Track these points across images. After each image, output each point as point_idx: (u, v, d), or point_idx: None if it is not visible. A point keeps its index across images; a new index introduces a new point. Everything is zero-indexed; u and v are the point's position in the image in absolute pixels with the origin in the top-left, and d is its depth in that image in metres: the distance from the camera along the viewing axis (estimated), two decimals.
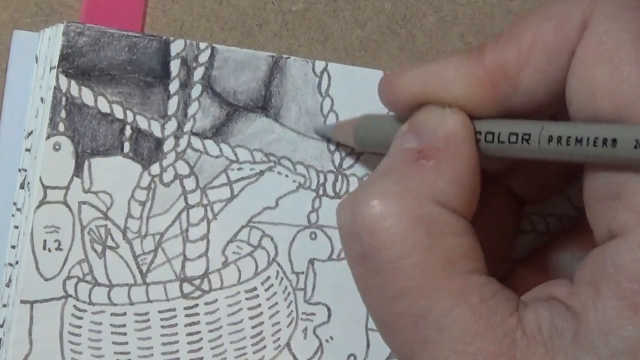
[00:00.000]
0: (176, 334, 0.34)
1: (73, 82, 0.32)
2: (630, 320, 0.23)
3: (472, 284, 0.26)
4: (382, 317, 0.27)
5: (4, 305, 0.33)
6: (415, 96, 0.28)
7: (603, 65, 0.25)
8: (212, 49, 0.34)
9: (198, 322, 0.34)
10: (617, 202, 0.25)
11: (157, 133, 0.33)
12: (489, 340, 0.25)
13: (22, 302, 0.32)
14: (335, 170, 0.35)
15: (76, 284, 0.33)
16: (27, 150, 0.34)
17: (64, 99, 0.32)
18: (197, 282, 0.34)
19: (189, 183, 0.34)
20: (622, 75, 0.24)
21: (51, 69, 0.32)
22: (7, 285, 0.33)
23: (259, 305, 0.35)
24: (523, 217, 0.37)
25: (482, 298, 0.26)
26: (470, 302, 0.26)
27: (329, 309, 0.35)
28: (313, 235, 0.35)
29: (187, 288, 0.34)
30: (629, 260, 0.24)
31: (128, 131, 0.33)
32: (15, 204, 0.34)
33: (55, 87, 0.32)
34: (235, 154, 0.34)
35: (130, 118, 0.33)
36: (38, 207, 0.32)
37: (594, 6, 0.26)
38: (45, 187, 0.32)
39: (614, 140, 0.24)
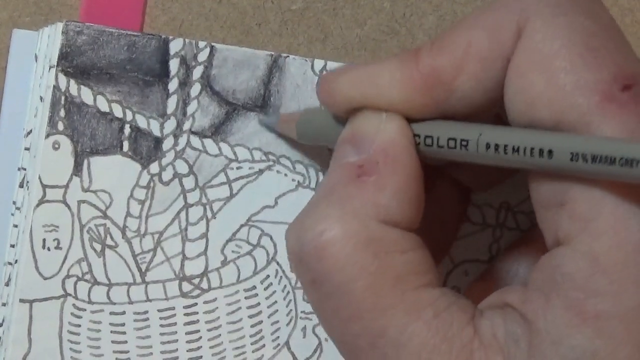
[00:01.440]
0: (175, 332, 0.34)
1: (72, 81, 0.32)
2: (578, 329, 0.23)
3: (425, 298, 0.26)
4: (340, 339, 0.27)
5: (4, 304, 0.33)
6: (352, 100, 0.28)
7: (539, 74, 0.25)
8: (211, 47, 0.34)
9: (197, 321, 0.34)
10: (562, 209, 0.25)
11: (156, 132, 0.33)
12: (446, 353, 0.25)
13: (22, 301, 0.32)
14: None
15: (75, 283, 0.33)
16: (27, 149, 0.34)
17: (63, 97, 0.32)
18: (196, 281, 0.34)
19: (188, 182, 0.34)
20: (558, 83, 0.24)
21: (50, 67, 0.32)
22: (7, 284, 0.33)
23: (258, 304, 0.35)
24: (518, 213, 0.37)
25: (436, 312, 0.26)
26: (424, 317, 0.26)
27: None
28: None
29: (186, 287, 0.34)
30: (575, 269, 0.24)
31: (127, 130, 0.33)
32: (14, 202, 0.34)
33: (54, 86, 0.32)
34: (235, 153, 0.34)
35: (129, 117, 0.33)
36: (37, 206, 0.32)
37: (528, 13, 0.25)
38: (44, 186, 0.32)
39: (550, 152, 0.24)
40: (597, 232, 0.24)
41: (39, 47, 0.34)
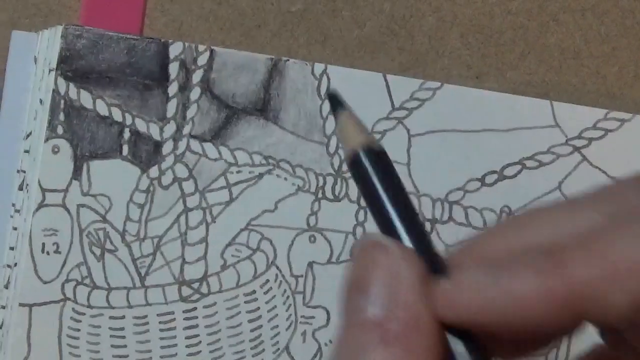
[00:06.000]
0: (175, 337, 0.34)
1: (72, 85, 0.32)
2: None
3: None
4: None
5: (3, 307, 0.33)
6: (476, 311, 0.24)
7: None
8: (211, 51, 0.34)
9: (197, 326, 0.34)
10: None
11: (156, 136, 0.33)
12: None
13: (21, 305, 0.32)
14: (334, 173, 0.35)
15: (75, 287, 0.33)
16: (26, 151, 0.34)
17: (62, 101, 0.32)
18: (195, 285, 0.34)
19: (188, 186, 0.34)
20: None
21: (50, 71, 0.32)
22: (6, 287, 0.33)
23: (258, 308, 0.35)
24: None
25: None
26: None
27: (328, 313, 0.35)
28: (312, 239, 0.35)
29: (185, 291, 0.34)
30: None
31: (127, 134, 0.33)
32: (14, 205, 0.34)
33: (54, 90, 0.32)
34: (234, 157, 0.34)
35: (128, 121, 0.33)
36: (37, 210, 0.32)
37: None
38: (44, 190, 0.32)
39: None
40: None
41: (39, 50, 0.34)
